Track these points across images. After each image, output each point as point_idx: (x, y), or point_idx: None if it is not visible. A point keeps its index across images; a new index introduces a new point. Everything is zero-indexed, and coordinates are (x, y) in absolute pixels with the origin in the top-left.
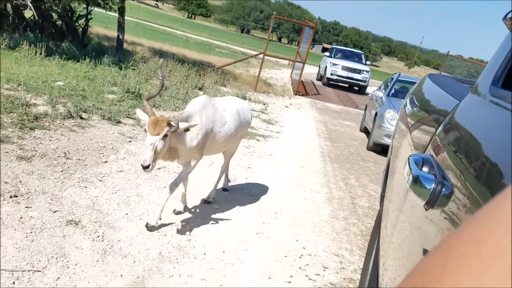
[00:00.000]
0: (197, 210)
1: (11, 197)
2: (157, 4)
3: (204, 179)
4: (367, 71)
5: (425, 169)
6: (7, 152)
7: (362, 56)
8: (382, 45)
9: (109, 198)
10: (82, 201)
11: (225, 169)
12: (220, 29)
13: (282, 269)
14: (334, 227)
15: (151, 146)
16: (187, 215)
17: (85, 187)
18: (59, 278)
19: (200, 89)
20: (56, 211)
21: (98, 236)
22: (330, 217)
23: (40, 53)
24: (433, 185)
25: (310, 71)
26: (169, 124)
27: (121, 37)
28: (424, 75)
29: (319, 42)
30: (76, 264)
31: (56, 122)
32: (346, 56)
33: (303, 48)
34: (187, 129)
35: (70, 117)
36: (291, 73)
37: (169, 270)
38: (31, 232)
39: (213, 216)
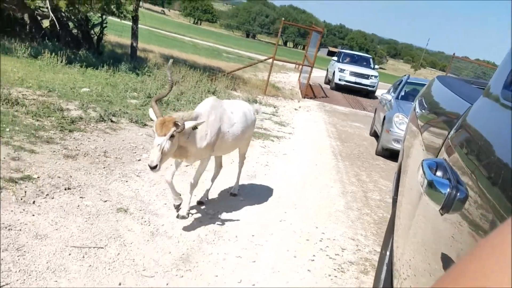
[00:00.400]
0: (226, 202)
1: (65, 189)
2: (163, 11)
3: (228, 175)
4: (375, 76)
5: (439, 173)
6: (54, 151)
7: (371, 60)
8: (388, 47)
9: (149, 191)
10: (126, 192)
11: (238, 172)
12: (226, 34)
13: (305, 249)
14: (349, 216)
15: (158, 146)
16: (218, 205)
17: (126, 181)
18: (119, 253)
19: (213, 93)
20: (106, 201)
21: (145, 221)
22: (345, 208)
23: (61, 61)
24: (448, 189)
25: (317, 75)
26: (175, 124)
27: (134, 44)
28: (433, 78)
29: (324, 45)
30: (131, 243)
31: (90, 125)
32: (354, 60)
33: (310, 52)
34: (195, 127)
35: (102, 121)
36: (299, 76)
37: (208, 249)
38: (89, 218)
39: (239, 206)
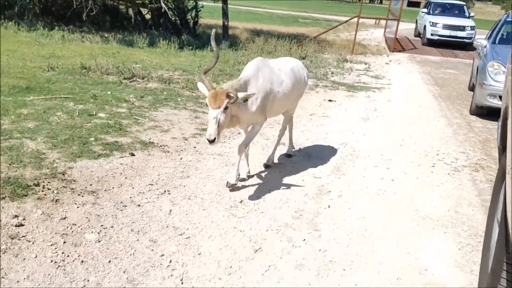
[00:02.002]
0: (350, 136)
1: (218, 155)
2: None
3: (310, 134)
4: (471, 27)
5: None
6: None
7: (464, 8)
8: None
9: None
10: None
11: (289, 134)
12: None
13: (426, 160)
14: (457, 139)
15: (214, 119)
16: (346, 137)
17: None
18: (295, 164)
19: (303, 58)
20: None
21: (294, 152)
22: (453, 134)
23: (174, 47)
24: None
25: (400, 27)
26: (228, 96)
27: (226, 23)
28: None
29: None
30: (297, 162)
31: None
32: (446, 10)
33: (393, 6)
34: (245, 100)
35: None
36: (384, 31)
37: (350, 164)
38: (264, 149)
39: (362, 139)
